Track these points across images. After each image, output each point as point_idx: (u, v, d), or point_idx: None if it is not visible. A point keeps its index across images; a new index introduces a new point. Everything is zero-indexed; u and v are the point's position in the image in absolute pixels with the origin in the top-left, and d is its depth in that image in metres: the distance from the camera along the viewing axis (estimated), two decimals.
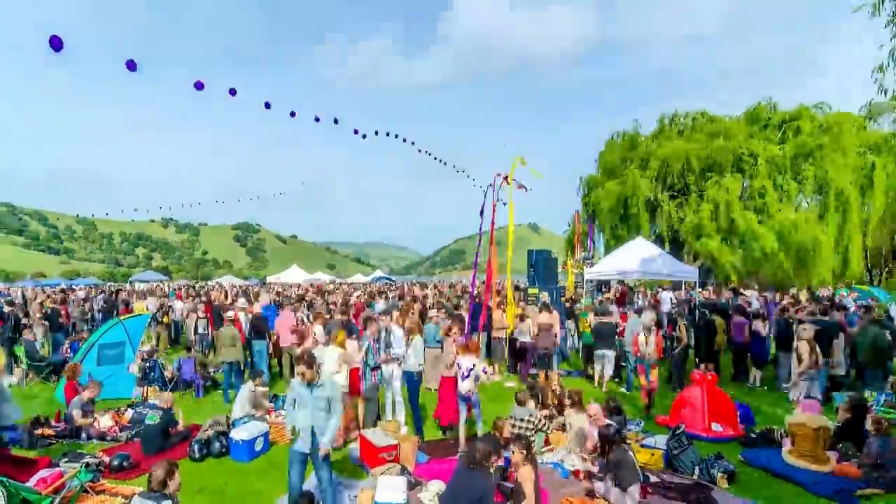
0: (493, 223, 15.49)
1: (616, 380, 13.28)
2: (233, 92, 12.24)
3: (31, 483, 6.40)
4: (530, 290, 18.69)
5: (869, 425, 7.81)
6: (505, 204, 15.62)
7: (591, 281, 22.37)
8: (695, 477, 7.34)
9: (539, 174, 17.06)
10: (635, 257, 18.85)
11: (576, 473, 7.36)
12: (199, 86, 11.39)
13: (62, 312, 18.39)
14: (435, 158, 16.68)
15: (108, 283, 68.77)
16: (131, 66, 9.54)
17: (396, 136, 15.63)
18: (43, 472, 6.74)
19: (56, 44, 8.54)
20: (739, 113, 33.41)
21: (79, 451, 8.05)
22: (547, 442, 8.43)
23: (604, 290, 24.46)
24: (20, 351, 13.56)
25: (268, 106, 13.49)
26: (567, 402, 8.68)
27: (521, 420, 8.08)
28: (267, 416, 9.46)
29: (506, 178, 15.47)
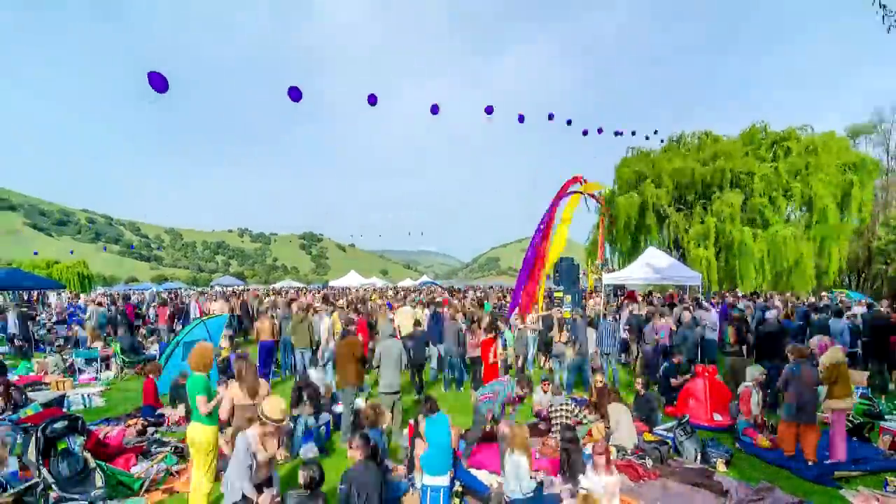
0: (551, 219, 15.42)
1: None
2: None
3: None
4: (555, 294, 18.63)
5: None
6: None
7: (609, 285, 22.22)
8: (697, 462, 7.29)
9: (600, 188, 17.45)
10: (648, 265, 18.86)
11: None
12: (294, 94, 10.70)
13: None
14: None
15: (193, 287, 70.59)
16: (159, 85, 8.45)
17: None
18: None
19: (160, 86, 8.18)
20: (736, 133, 33.11)
21: (166, 438, 8.21)
22: (589, 434, 7.99)
23: (619, 293, 24.21)
24: (117, 348, 14.00)
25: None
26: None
27: (560, 406, 8.12)
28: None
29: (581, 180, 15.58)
